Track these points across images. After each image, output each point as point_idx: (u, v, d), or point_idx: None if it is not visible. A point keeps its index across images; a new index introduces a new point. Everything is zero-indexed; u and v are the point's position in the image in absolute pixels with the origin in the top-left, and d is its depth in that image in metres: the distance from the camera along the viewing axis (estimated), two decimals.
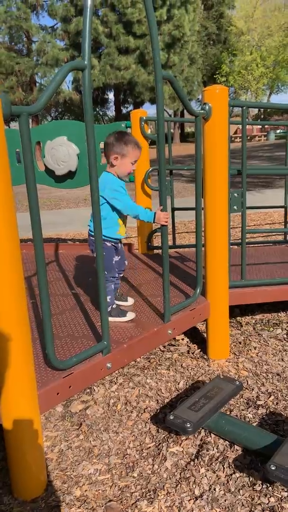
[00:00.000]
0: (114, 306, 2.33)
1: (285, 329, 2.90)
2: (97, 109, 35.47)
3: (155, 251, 3.86)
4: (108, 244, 2.28)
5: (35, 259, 1.56)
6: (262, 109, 35.49)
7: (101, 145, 3.48)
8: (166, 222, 2.14)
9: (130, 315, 2.31)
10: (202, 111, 2.27)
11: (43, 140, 3.63)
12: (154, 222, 2.16)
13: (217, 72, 33.58)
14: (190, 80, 26.51)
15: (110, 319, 2.19)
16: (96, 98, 28.49)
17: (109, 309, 2.24)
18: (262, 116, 37.60)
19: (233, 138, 20.81)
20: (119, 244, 2.38)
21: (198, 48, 27.60)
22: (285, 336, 2.81)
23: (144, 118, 3.48)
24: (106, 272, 2.25)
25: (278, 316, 3.11)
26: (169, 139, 3.72)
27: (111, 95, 29.92)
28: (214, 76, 33.47)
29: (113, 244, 2.31)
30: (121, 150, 2.16)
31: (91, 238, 2.19)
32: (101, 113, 39.36)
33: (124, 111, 29.66)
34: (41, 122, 29.68)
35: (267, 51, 33.06)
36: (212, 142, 2.33)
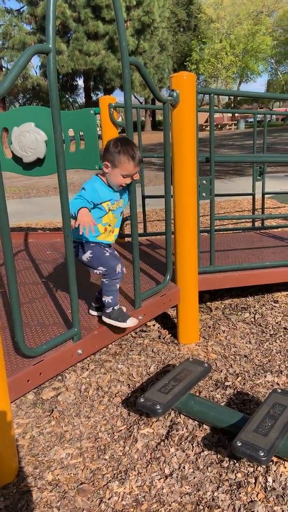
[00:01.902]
0: (117, 307, 2.09)
1: (252, 313, 2.98)
2: (67, 96, 34.81)
3: (126, 239, 3.87)
4: (92, 244, 2.06)
5: (2, 246, 1.54)
6: (233, 98, 35.71)
7: (70, 132, 3.45)
8: (86, 223, 1.83)
9: (131, 322, 2.05)
10: (170, 98, 2.28)
11: (10, 127, 3.55)
12: (74, 219, 1.87)
13: (187, 60, 33.49)
14: (160, 68, 26.32)
15: (108, 321, 2.06)
16: (65, 84, 27.86)
17: (109, 310, 2.07)
18: (232, 105, 37.87)
19: (203, 127, 20.87)
20: (108, 249, 2.13)
21: (169, 35, 27.38)
22: (252, 319, 2.89)
23: (113, 104, 3.45)
24: (104, 269, 2.03)
25: (246, 300, 3.20)
26: (138, 126, 3.71)
27: (80, 82, 29.37)
28: (185, 63, 33.37)
29: (98, 244, 2.09)
30: (113, 159, 1.92)
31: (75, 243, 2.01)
32: (70, 99, 38.68)
33: (94, 97, 29.19)
34: (9, 109, 28.87)
35: (236, 39, 33.20)
36: (180, 129, 2.35)
